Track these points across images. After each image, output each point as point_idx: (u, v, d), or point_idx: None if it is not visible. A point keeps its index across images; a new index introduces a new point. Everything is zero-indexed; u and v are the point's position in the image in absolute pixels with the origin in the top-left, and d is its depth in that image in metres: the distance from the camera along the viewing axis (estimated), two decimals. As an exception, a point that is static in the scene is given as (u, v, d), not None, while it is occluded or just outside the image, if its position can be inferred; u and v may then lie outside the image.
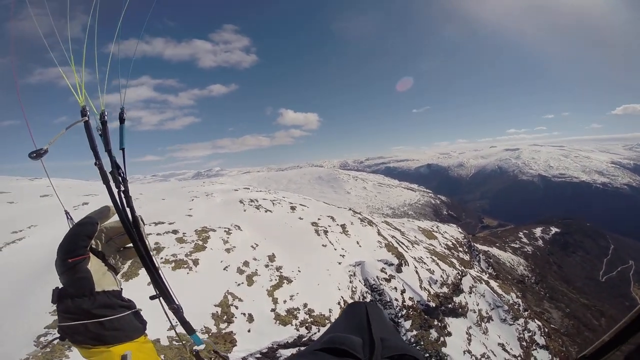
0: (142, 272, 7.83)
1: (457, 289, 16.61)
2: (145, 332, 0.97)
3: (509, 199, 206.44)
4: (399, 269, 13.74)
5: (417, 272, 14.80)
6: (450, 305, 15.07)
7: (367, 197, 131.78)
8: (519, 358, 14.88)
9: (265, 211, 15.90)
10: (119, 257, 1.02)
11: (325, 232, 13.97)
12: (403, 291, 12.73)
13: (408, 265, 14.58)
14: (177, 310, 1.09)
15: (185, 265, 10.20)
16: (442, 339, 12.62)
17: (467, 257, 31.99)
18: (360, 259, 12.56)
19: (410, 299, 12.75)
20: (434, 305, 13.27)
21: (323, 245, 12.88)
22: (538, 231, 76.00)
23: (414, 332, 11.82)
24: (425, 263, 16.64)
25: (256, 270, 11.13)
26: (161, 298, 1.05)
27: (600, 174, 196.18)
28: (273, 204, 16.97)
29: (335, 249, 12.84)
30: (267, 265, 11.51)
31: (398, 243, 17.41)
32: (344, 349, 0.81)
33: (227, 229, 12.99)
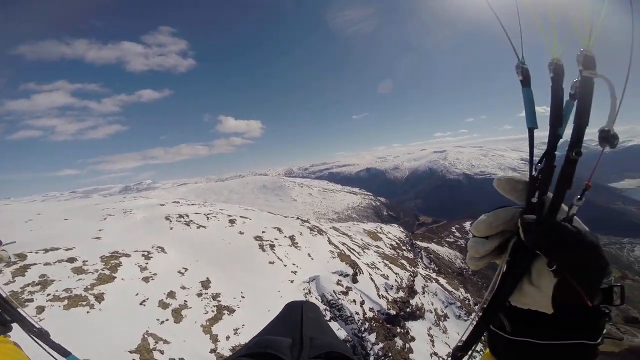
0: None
1: (411, 291, 16.30)
2: (8, 334, 0.87)
3: (440, 196, 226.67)
4: (354, 279, 12.63)
5: (372, 279, 13.89)
6: (408, 310, 14.58)
7: (313, 203, 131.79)
8: (482, 352, 14.90)
9: (198, 227, 13.52)
10: None
11: (272, 246, 12.19)
12: (362, 302, 11.63)
13: (363, 273, 13.59)
14: (41, 334, 1.02)
15: (84, 302, 7.70)
16: (407, 345, 11.95)
17: (411, 255, 32.94)
18: (314, 273, 11.08)
19: (371, 309, 11.71)
20: (394, 313, 12.47)
21: (270, 262, 11.10)
22: (467, 225, 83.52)
23: (380, 345, 10.81)
24: (378, 268, 15.89)
25: (185, 301, 8.92)
26: (17, 324, 0.97)
27: (513, 169, 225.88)
28: (207, 218, 14.60)
29: (285, 265, 11.15)
30: (200, 294, 9.36)
31: (350, 250, 16.44)
32: (269, 352, 0.78)
33: (145, 253, 10.49)
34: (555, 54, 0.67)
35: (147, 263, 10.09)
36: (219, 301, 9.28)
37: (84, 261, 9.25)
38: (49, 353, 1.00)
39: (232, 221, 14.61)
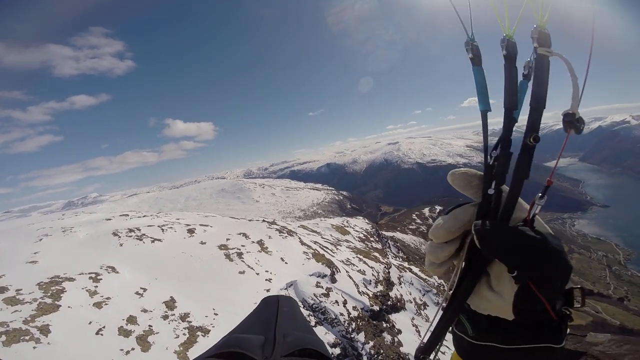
0: None
1: (389, 283, 16.04)
2: None
3: (398, 186, 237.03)
4: (333, 279, 11.85)
5: (350, 276, 13.23)
6: (389, 302, 14.25)
7: (277, 203, 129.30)
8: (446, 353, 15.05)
9: (152, 241, 11.75)
10: None
11: (240, 254, 10.88)
12: (345, 302, 10.89)
13: (340, 271, 12.86)
14: None
15: (26, 337, 6.24)
16: (395, 339, 11.52)
17: (379, 246, 33.39)
18: (291, 278, 10.06)
19: (354, 308, 11.04)
20: (377, 309, 11.96)
21: (240, 272, 9.84)
22: (426, 211, 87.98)
23: (371, 344, 10.18)
24: (353, 264, 15.31)
25: (150, 326, 7.47)
26: None
27: (461, 156, 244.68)
28: (162, 230, 12.82)
29: (258, 274, 9.96)
30: (165, 317, 7.93)
31: (323, 249, 15.65)
32: (239, 351, 0.74)
33: (93, 275, 8.75)
34: (508, 31, 0.63)
35: (96, 286, 8.42)
36: (190, 322, 7.93)
37: (17, 290, 7.54)
38: None
39: (191, 231, 12.99)
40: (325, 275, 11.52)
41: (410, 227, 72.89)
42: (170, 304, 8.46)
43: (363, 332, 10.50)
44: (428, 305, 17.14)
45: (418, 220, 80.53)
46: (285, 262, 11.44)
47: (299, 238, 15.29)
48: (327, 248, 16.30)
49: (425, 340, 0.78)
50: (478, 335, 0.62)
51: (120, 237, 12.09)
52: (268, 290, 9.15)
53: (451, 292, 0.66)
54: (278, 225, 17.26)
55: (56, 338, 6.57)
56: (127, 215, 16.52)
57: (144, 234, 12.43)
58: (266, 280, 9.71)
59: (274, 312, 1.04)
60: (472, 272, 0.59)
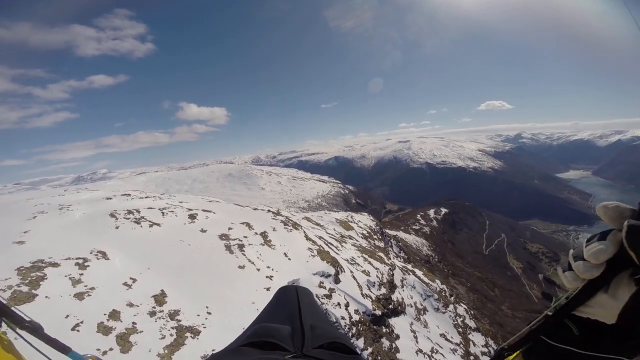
0: None
1: (392, 285, 15.49)
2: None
3: (405, 184, 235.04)
4: (337, 280, 11.26)
5: (354, 277, 12.65)
6: (390, 306, 13.71)
7: (282, 191, 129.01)
8: (461, 345, 14.53)
9: (150, 225, 11.24)
10: None
11: (241, 246, 10.29)
12: (347, 305, 10.33)
13: (344, 271, 12.27)
14: (36, 329, 0.92)
15: None
16: (393, 345, 11.06)
17: (382, 244, 32.91)
18: (294, 277, 9.45)
19: (356, 311, 10.48)
20: (379, 314, 11.41)
21: (240, 266, 9.27)
22: (431, 212, 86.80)
23: (370, 350, 9.68)
24: (358, 264, 14.72)
25: (134, 324, 6.93)
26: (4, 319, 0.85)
27: (472, 160, 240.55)
28: (163, 213, 12.30)
29: (259, 269, 9.37)
30: (153, 313, 7.39)
31: (328, 245, 15.06)
32: (272, 341, 0.77)
33: (80, 261, 8.25)
34: None
35: (81, 274, 7.89)
36: (179, 321, 7.38)
37: (-7, 275, 6.94)
38: (40, 352, 0.84)
39: (192, 216, 12.46)
40: (330, 275, 10.92)
41: (413, 227, 72.16)
42: (160, 298, 7.91)
43: (363, 338, 9.96)
44: (428, 311, 16.67)
45: (422, 221, 79.60)
46: (289, 258, 10.84)
47: (304, 232, 14.70)
48: (332, 245, 15.72)
49: (514, 339, 0.82)
50: (582, 338, 0.65)
51: (117, 218, 11.61)
52: (268, 289, 8.56)
53: (558, 300, 0.73)
54: (283, 216, 16.68)
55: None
56: (129, 195, 16.09)
57: (142, 217, 11.94)
58: (267, 277, 9.12)
59: (295, 302, 1.04)
60: (600, 280, 0.61)
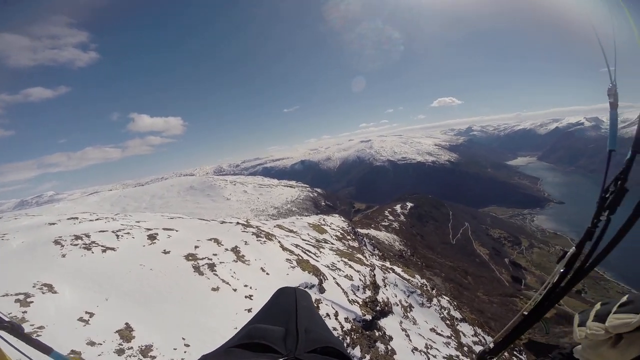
0: None
1: (375, 286, 15.11)
2: None
3: (370, 183, 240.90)
4: (321, 289, 10.48)
5: (338, 283, 11.95)
6: (378, 308, 13.29)
7: (249, 200, 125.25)
8: (452, 337, 14.46)
9: (104, 250, 9.63)
10: None
11: (212, 266, 9.10)
12: (336, 314, 9.58)
13: (327, 279, 11.53)
14: (16, 329, 0.91)
15: None
16: (388, 347, 10.56)
17: (356, 244, 32.88)
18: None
19: (346, 319, 9.78)
20: (370, 318, 10.86)
21: (214, 288, 8.13)
22: (398, 208, 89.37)
23: (367, 357, 9.02)
24: (339, 269, 14.07)
25: None
26: None
27: (429, 154, 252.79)
28: (117, 236, 10.67)
29: (235, 289, 8.27)
30: (120, 351, 6.04)
31: (306, 253, 14.25)
32: (263, 342, 0.76)
33: (22, 296, 6.66)
34: None
35: (25, 312, 6.34)
36: (154, 357, 6.13)
37: None
38: (21, 352, 0.81)
39: (152, 237, 10.95)
40: (313, 285, 10.10)
41: (383, 223, 73.61)
42: (126, 333, 6.59)
43: (359, 346, 9.30)
44: (413, 307, 16.60)
45: (390, 217, 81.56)
46: (267, 273, 9.83)
47: (279, 242, 13.73)
48: (310, 252, 14.89)
49: (493, 343, 0.84)
50: None
51: (63, 245, 9.83)
52: (249, 310, 7.52)
53: (535, 301, 0.80)
54: (254, 227, 15.56)
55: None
56: (76, 218, 14.01)
57: (93, 242, 10.25)
58: (246, 297, 8.07)
59: (292, 304, 1.03)
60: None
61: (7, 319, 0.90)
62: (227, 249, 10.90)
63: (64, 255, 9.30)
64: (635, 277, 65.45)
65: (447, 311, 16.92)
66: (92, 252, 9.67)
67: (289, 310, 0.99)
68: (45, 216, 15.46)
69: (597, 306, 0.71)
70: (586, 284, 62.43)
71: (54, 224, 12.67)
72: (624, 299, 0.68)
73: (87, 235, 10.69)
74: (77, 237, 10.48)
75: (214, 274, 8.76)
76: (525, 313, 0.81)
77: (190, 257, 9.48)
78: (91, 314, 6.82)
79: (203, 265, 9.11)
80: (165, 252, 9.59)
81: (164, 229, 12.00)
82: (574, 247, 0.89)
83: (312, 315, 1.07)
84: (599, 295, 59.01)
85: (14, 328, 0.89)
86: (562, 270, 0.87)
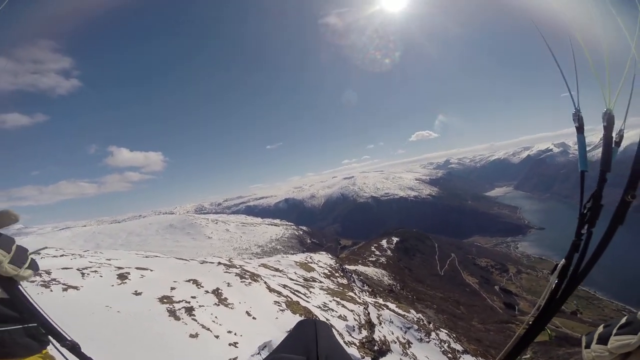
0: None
1: (370, 325, 14.03)
2: (44, 351, 0.86)
3: (355, 219, 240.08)
4: (314, 333, 9.38)
5: (332, 325, 10.83)
6: (376, 348, 12.15)
7: (231, 239, 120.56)
8: None
9: (65, 289, 8.30)
10: None
11: (190, 310, 7.96)
12: None
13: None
14: (74, 347, 1.00)
15: None
16: None
17: (345, 281, 31.65)
18: (264, 339, 7.34)
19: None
20: (370, 360, 9.71)
21: (192, 335, 6.97)
22: (384, 243, 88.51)
23: None
24: (332, 309, 12.95)
25: None
26: (50, 337, 0.93)
27: (411, 189, 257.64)
28: (83, 274, 9.38)
29: (218, 336, 7.13)
30: None
31: (295, 294, 13.17)
32: None
33: None
34: (609, 104, 0.87)
35: None
36: None
37: None
38: None
39: (122, 276, 9.70)
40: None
41: (370, 259, 72.15)
42: None
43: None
44: (412, 343, 15.63)
45: (377, 252, 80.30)
46: (253, 318, 8.70)
47: (266, 283, 12.62)
48: (299, 292, 13.78)
49: (505, 354, 0.93)
50: None
51: (20, 285, 8.45)
52: (235, 359, 6.40)
53: (539, 311, 0.91)
54: (237, 267, 14.41)
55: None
56: (39, 254, 12.54)
57: (54, 279, 8.91)
58: (230, 344, 6.93)
59: (313, 334, 1.10)
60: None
61: (69, 338, 0.95)
62: (207, 291, 9.75)
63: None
64: (623, 293, 67.84)
65: (447, 344, 15.85)
66: (51, 291, 8.34)
67: (309, 340, 1.03)
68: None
69: (600, 328, 0.76)
70: (580, 305, 62.28)
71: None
72: (623, 320, 0.71)
73: (48, 272, 9.36)
74: (37, 274, 9.14)
75: (192, 318, 7.62)
76: (524, 330, 0.90)
77: (165, 299, 8.32)
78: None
79: (180, 309, 7.96)
80: (136, 294, 8.40)
81: (137, 268, 10.77)
82: (563, 260, 0.99)
83: (334, 344, 1.11)
84: (594, 314, 59.13)
85: (73, 346, 0.94)
86: (556, 281, 0.98)
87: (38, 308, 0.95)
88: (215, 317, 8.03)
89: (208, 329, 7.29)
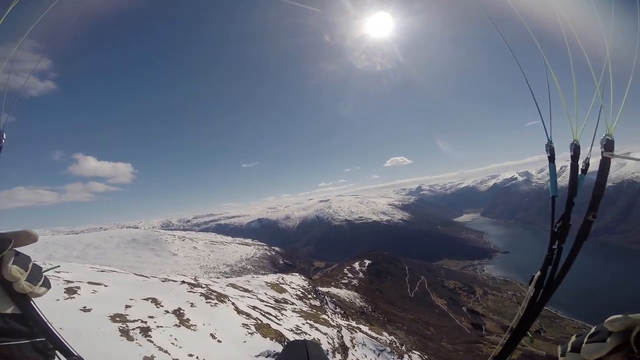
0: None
1: (344, 348, 13.38)
2: None
3: (329, 241, 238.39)
4: (284, 358, 8.65)
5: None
6: None
7: (199, 257, 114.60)
8: None
9: None
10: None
11: (145, 330, 7.04)
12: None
13: (291, 344, 9.71)
14: None
15: None
16: None
17: (317, 303, 30.84)
18: (228, 366, 6.61)
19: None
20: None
21: (146, 357, 6.07)
22: (356, 265, 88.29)
23: None
24: (305, 332, 12.22)
25: None
26: (57, 351, 0.97)
27: (384, 214, 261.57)
28: (21, 291, 8.21)
29: (176, 359, 6.32)
30: None
31: (265, 316, 12.34)
32: None
33: None
34: (576, 136, 1.01)
35: None
36: None
37: None
38: None
39: (71, 290, 8.57)
40: (277, 354, 8.30)
41: (343, 281, 71.28)
42: None
43: None
44: None
45: (350, 275, 79.67)
46: (219, 340, 7.88)
47: (234, 304, 11.74)
48: (270, 314, 12.95)
49: (492, 358, 1.03)
50: None
51: None
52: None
53: (522, 314, 1.06)
54: (203, 286, 13.39)
55: None
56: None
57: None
58: (189, 371, 6.14)
59: (304, 355, 1.10)
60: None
61: (76, 353, 0.97)
62: (167, 311, 8.82)
63: None
64: (584, 312, 71.47)
65: (420, 367, 15.35)
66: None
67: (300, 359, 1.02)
68: None
69: (573, 338, 0.81)
70: (544, 324, 64.52)
71: None
72: (593, 330, 0.76)
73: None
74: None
75: (147, 340, 6.73)
76: (506, 340, 1.02)
77: (117, 318, 7.35)
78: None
79: (134, 328, 7.03)
80: (84, 310, 7.36)
81: (89, 282, 9.62)
82: (539, 271, 1.10)
83: None
84: (557, 332, 61.63)
85: None
86: (533, 290, 1.10)
87: (48, 324, 0.96)
88: (175, 339, 7.17)
89: (166, 352, 6.44)
